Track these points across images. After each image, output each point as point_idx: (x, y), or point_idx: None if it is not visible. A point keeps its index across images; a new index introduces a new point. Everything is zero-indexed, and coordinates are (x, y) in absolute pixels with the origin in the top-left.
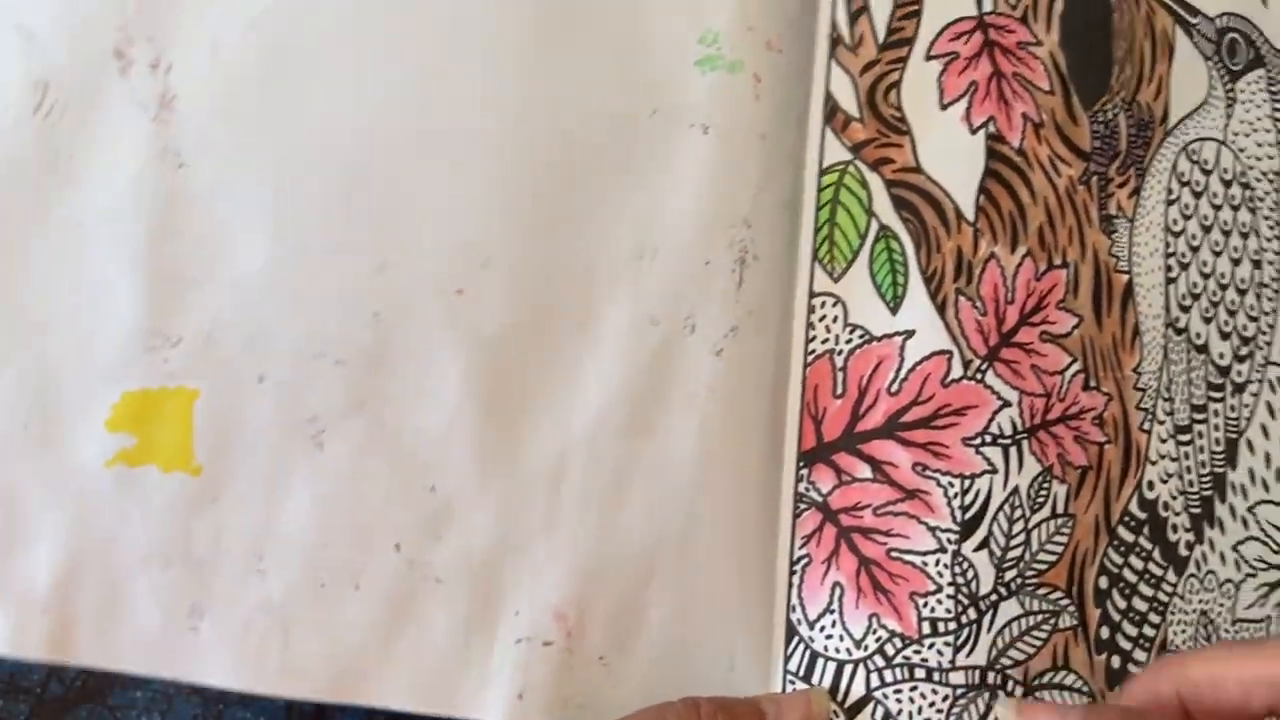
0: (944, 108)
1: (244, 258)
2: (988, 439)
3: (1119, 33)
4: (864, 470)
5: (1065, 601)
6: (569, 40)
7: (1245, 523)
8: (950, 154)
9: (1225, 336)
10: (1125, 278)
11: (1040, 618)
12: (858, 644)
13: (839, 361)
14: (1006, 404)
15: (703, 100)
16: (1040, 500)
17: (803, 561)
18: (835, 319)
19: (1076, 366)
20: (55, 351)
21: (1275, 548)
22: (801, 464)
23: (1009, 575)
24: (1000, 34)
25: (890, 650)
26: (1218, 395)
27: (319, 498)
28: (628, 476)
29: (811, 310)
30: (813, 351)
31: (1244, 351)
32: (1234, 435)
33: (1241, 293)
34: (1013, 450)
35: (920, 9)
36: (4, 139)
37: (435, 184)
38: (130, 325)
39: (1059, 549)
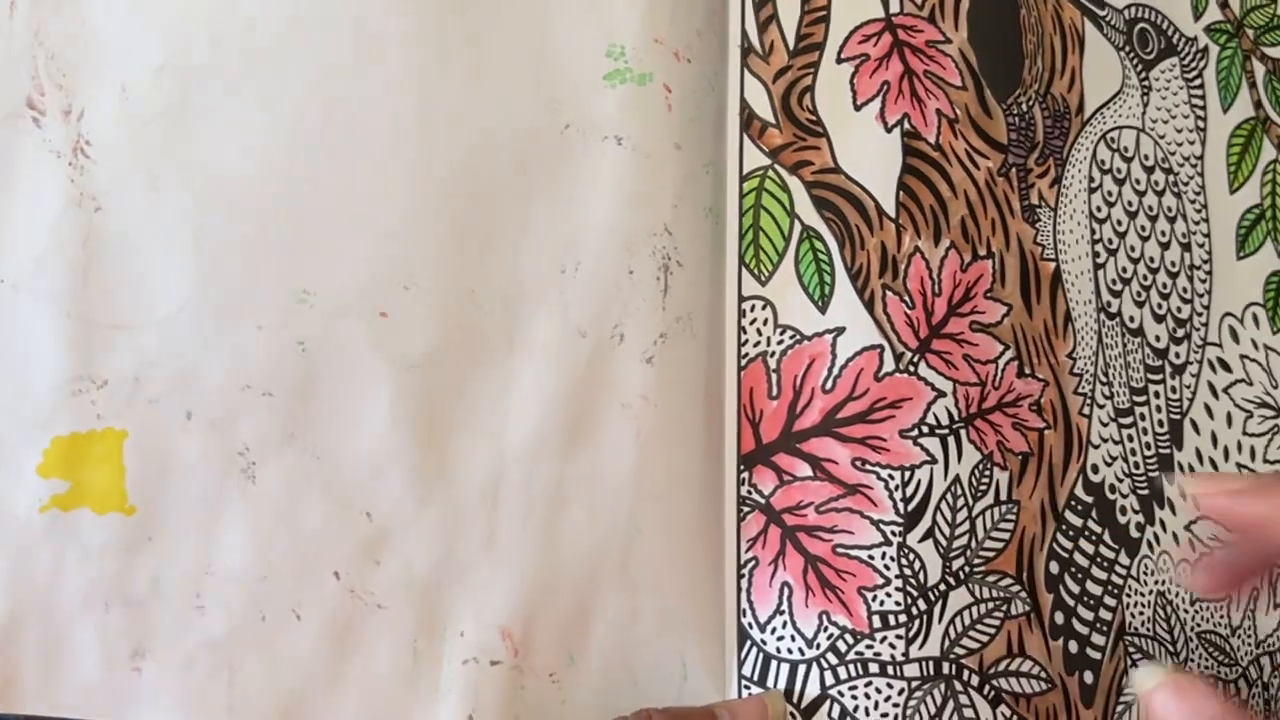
0: (858, 108)
1: (165, 297)
2: (925, 430)
3: (1027, 27)
4: (804, 469)
5: (1016, 588)
6: (477, 59)
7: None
8: (867, 153)
9: (1159, 319)
10: (1052, 265)
11: (991, 605)
12: (810, 643)
13: (772, 363)
14: (941, 394)
15: (614, 113)
16: (983, 488)
17: (750, 564)
18: (766, 321)
19: (1010, 354)
20: None
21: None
22: (742, 467)
23: (956, 564)
24: (909, 34)
25: (842, 647)
26: (1156, 377)
27: (254, 530)
28: (566, 490)
29: (742, 314)
30: (746, 355)
31: (1180, 333)
32: (1177, 416)
33: (1173, 275)
34: (951, 440)
35: (828, 14)
36: None
37: (351, 209)
38: (56, 370)
39: (1005, 535)
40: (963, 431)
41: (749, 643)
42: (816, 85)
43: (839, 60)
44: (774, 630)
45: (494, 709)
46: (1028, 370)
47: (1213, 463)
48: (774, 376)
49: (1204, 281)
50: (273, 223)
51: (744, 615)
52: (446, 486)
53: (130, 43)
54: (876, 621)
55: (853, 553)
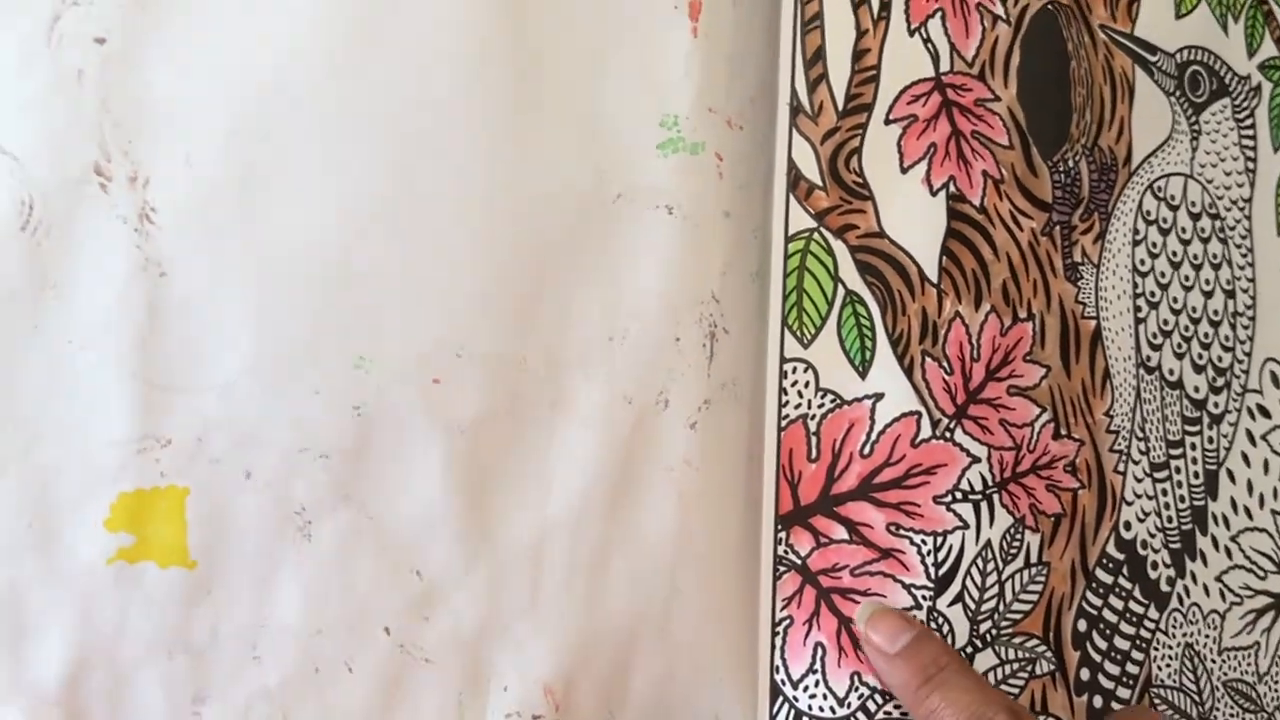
0: (904, 171)
1: (227, 360)
2: (958, 495)
3: (1077, 80)
4: (840, 532)
5: (1041, 648)
6: (533, 131)
7: (1229, 552)
8: (912, 217)
9: (1199, 370)
10: (1093, 323)
11: (1016, 665)
12: (841, 702)
13: (812, 426)
14: (976, 460)
15: (666, 182)
16: (1013, 551)
17: (784, 623)
18: (807, 384)
19: (1046, 417)
20: (52, 458)
21: (1260, 574)
22: (780, 527)
23: (983, 627)
24: (958, 93)
25: (872, 707)
26: (1194, 429)
27: (309, 586)
28: (608, 552)
29: (784, 376)
30: (786, 417)
31: (1219, 383)
32: (1213, 466)
33: (1215, 324)
34: (983, 505)
35: (878, 73)
36: None
37: (408, 278)
38: (122, 430)
39: (1034, 597)
40: (996, 496)
41: (781, 699)
42: (864, 147)
43: (887, 121)
44: (806, 688)
45: None
46: (1064, 431)
47: (1247, 511)
48: (813, 439)
49: (1247, 328)
50: (332, 290)
51: (777, 672)
52: (493, 547)
53: (196, 110)
54: None
55: None
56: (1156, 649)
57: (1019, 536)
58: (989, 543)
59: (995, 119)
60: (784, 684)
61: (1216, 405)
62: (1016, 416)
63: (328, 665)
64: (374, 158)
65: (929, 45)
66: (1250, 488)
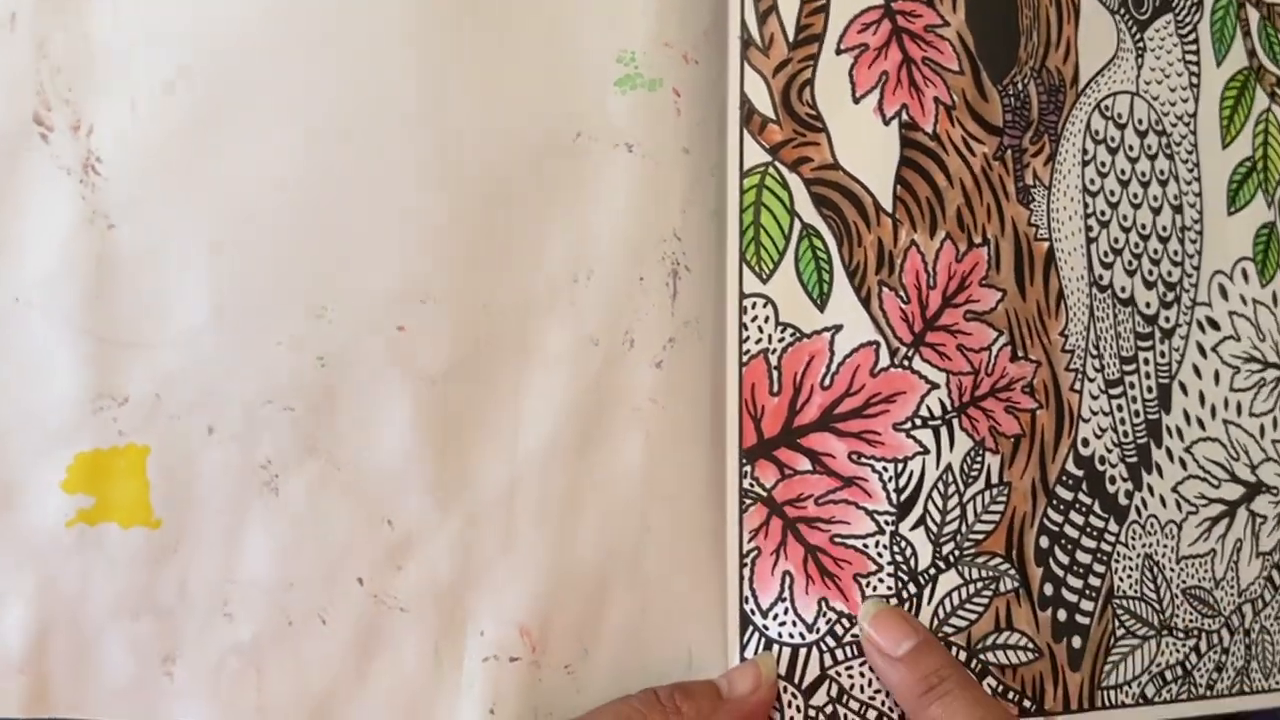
0: (857, 101)
1: (184, 314)
2: (918, 422)
3: (1024, 3)
4: (804, 463)
5: (1005, 566)
6: (490, 71)
7: (1183, 463)
8: (866, 147)
9: (1150, 285)
10: (1046, 245)
11: (980, 584)
12: (809, 627)
13: (773, 360)
14: (935, 386)
15: (625, 120)
16: (974, 474)
17: (752, 554)
18: (767, 319)
19: (1003, 340)
20: (3, 421)
21: (1214, 483)
22: (744, 461)
23: (946, 549)
24: (908, 19)
25: (839, 630)
26: (1146, 344)
27: (279, 540)
28: (579, 493)
29: (744, 312)
30: (748, 352)
31: (1169, 297)
32: (1165, 380)
33: (1164, 240)
34: (943, 429)
35: (828, 2)
36: None
37: (368, 224)
38: (76, 388)
39: (995, 517)
40: (955, 421)
41: (751, 628)
42: (816, 78)
43: (838, 51)
44: (776, 616)
45: (513, 701)
46: (1021, 353)
47: (1200, 422)
48: (775, 373)
49: (1194, 242)
50: (290, 239)
51: (746, 602)
52: (465, 493)
53: (140, 54)
54: None
55: (849, 542)
56: (1117, 561)
57: (979, 459)
58: (949, 466)
59: (945, 44)
60: (753, 614)
61: (1168, 320)
62: (974, 341)
63: (301, 618)
64: (328, 101)
65: None
66: (1202, 399)
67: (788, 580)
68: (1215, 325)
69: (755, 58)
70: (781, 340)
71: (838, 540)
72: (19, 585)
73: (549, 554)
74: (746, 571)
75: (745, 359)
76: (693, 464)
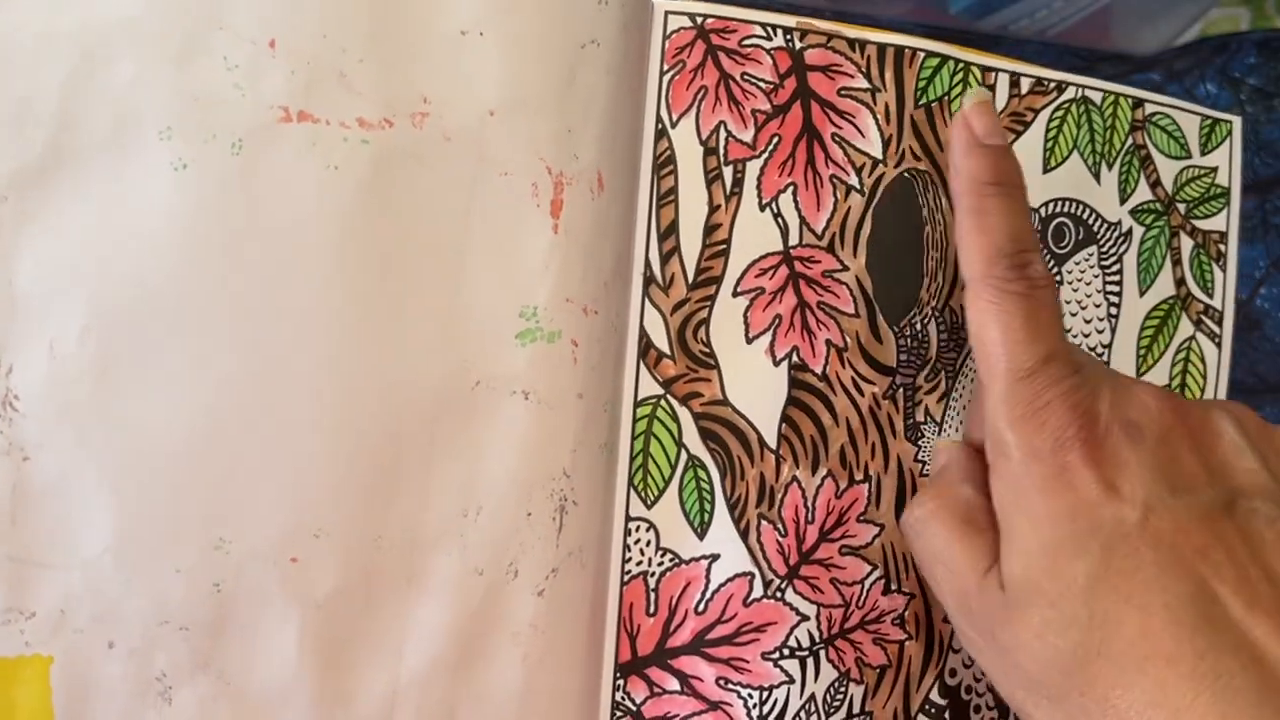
0: (749, 341)
1: (89, 540)
2: (786, 652)
3: (931, 244)
4: (673, 683)
5: None
6: (394, 322)
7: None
8: (755, 386)
9: None
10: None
11: None
12: None
13: (651, 582)
14: (805, 618)
15: (523, 369)
16: (836, 704)
17: None
18: (649, 543)
19: (877, 574)
20: None
21: None
22: (618, 675)
23: None
24: (806, 265)
25: None
26: None
27: None
28: (457, 707)
29: (628, 534)
30: (629, 573)
31: None
32: None
33: None
34: (810, 660)
35: (728, 247)
36: None
37: (267, 461)
38: None
39: None
40: (822, 652)
41: None
42: (712, 318)
43: (735, 294)
44: None
45: None
46: (894, 586)
47: None
48: (652, 595)
49: None
50: (193, 475)
51: None
52: (346, 710)
53: (58, 301)
54: None
55: None
56: None
57: (843, 689)
58: (813, 696)
59: (842, 288)
60: None
61: None
62: (847, 575)
63: None
64: (234, 346)
65: (779, 219)
66: None
67: None
68: None
69: (656, 295)
70: (660, 564)
71: None
72: None
73: None
74: None
75: (626, 579)
76: (569, 682)
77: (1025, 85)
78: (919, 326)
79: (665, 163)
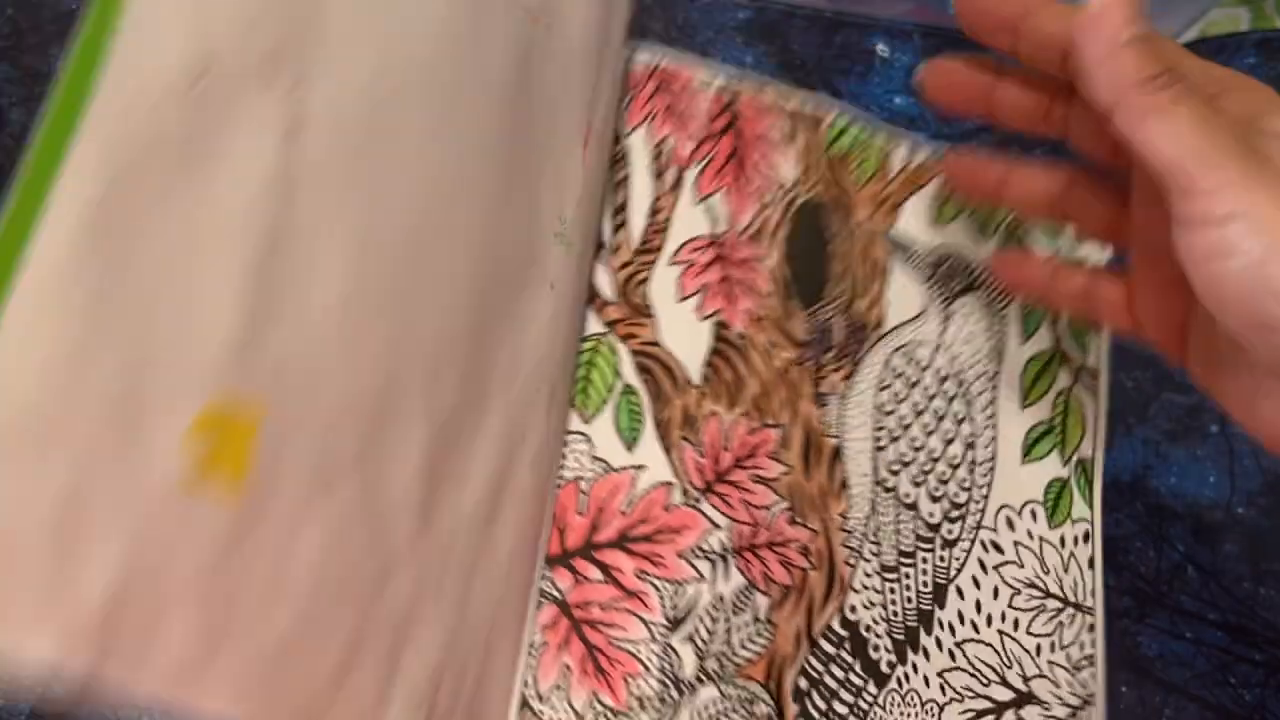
0: (680, 300)
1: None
2: (699, 553)
3: (836, 255)
4: (596, 573)
5: (762, 693)
6: (524, 182)
7: (952, 655)
8: (684, 335)
9: (935, 500)
10: (834, 443)
11: (736, 701)
12: (579, 716)
13: (584, 486)
14: (717, 527)
15: (552, 265)
16: (743, 606)
17: (540, 646)
18: (584, 453)
19: (784, 505)
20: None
21: (984, 681)
22: (546, 567)
23: (710, 665)
24: (730, 249)
25: None
26: (927, 546)
27: None
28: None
29: (566, 444)
30: (563, 477)
31: (954, 514)
32: (943, 581)
33: (954, 467)
34: (720, 564)
35: (668, 227)
36: None
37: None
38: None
39: (758, 649)
40: (731, 559)
41: (527, 709)
42: (651, 279)
43: (671, 262)
44: (550, 702)
45: None
46: (800, 520)
47: (974, 625)
48: (583, 497)
49: (985, 476)
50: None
51: (527, 686)
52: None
53: None
54: (633, 702)
55: (624, 645)
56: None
57: (749, 596)
58: (722, 596)
59: (761, 271)
60: (532, 698)
61: (950, 532)
62: (757, 499)
63: None
64: (427, 162)
65: (710, 213)
66: (979, 607)
67: (565, 671)
68: (999, 549)
69: (606, 257)
70: (593, 471)
71: (614, 643)
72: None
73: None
74: (532, 660)
75: (561, 483)
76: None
77: (921, 156)
78: (825, 318)
79: (620, 159)
